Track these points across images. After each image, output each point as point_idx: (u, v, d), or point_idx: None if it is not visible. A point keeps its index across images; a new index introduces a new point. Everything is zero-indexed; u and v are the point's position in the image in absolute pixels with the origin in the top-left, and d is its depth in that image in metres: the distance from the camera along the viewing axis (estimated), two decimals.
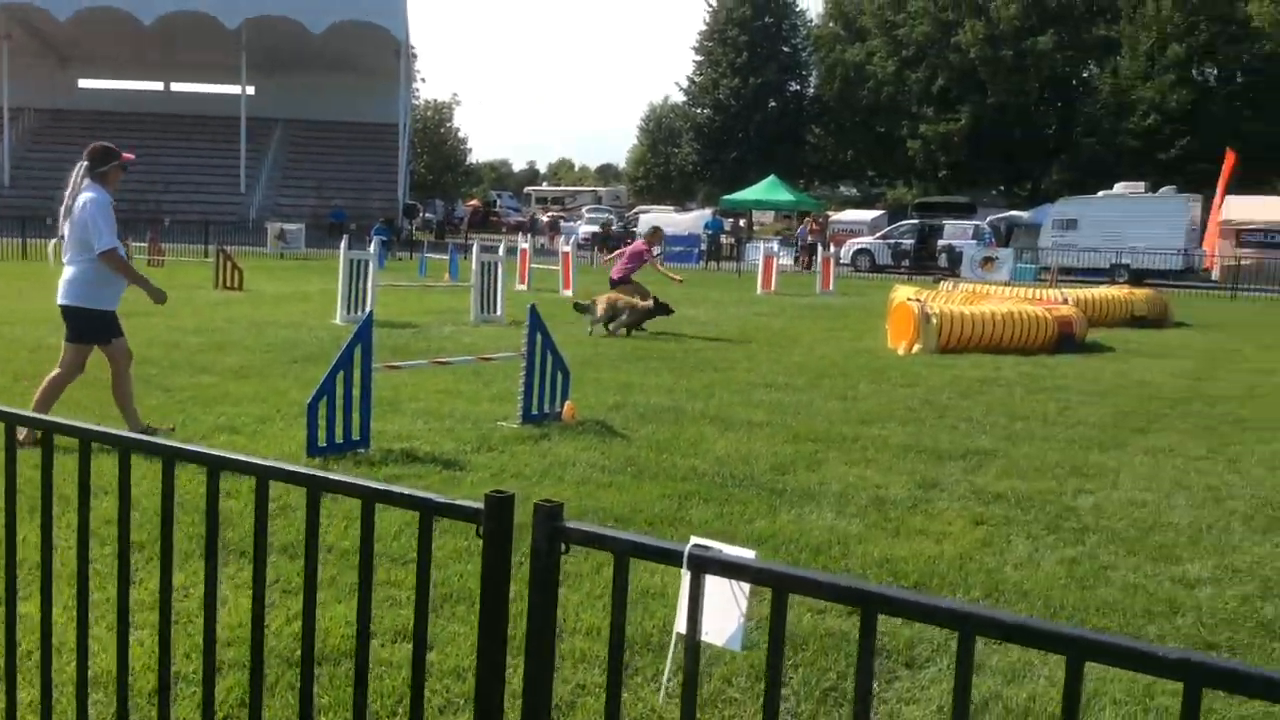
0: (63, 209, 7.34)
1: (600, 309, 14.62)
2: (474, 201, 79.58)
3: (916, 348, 13.50)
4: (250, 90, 52.64)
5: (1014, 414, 9.55)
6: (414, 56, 57.89)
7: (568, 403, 8.60)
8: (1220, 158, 39.86)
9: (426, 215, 58.39)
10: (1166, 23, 48.86)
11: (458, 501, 1.98)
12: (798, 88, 63.23)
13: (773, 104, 60.83)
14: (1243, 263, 33.64)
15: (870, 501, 6.45)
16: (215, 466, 2.24)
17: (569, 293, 21.69)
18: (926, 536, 5.80)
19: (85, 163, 7.34)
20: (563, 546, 1.87)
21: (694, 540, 1.80)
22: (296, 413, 8.05)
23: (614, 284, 16.13)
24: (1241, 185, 39.86)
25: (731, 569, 1.79)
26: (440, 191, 75.66)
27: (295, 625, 4.20)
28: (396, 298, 19.01)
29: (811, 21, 63.31)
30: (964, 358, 13.13)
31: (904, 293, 15.64)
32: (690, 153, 64.05)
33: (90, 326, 7.29)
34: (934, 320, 13.46)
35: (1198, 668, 1.44)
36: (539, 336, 8.44)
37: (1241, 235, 36.01)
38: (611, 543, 1.85)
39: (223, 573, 4.83)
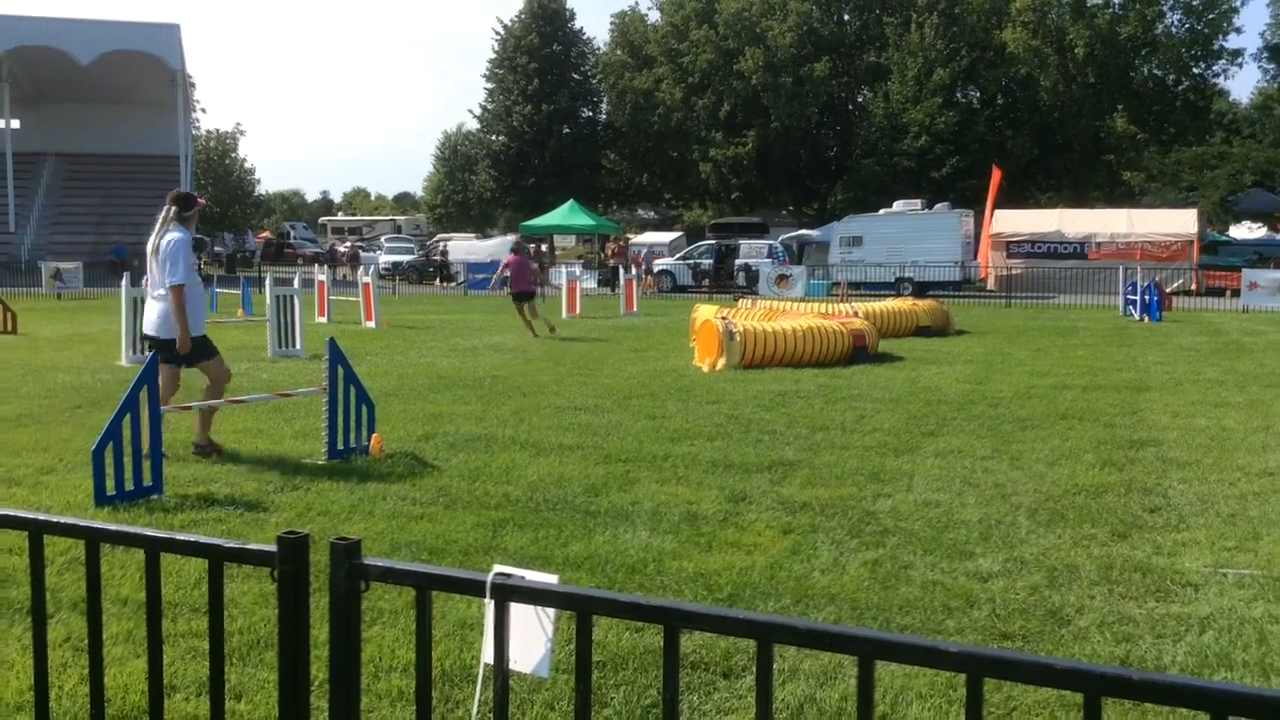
0: (149, 248, 8.09)
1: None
2: (265, 233, 76.99)
3: (721, 364, 13.80)
4: (16, 124, 49.33)
5: (815, 425, 9.88)
6: (192, 86, 55.48)
7: (374, 435, 8.38)
8: (988, 174, 42.65)
9: (216, 249, 56.01)
10: (931, 49, 51.95)
11: (249, 545, 1.88)
12: (590, 114, 63.93)
13: (567, 130, 61.29)
14: (1013, 272, 36.05)
15: (682, 518, 6.53)
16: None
17: (371, 324, 21.21)
18: (738, 549, 5.91)
19: (172, 206, 8.16)
20: (362, 584, 1.80)
21: (496, 569, 1.76)
22: (83, 461, 7.53)
23: (520, 298, 19.21)
24: (1008, 199, 42.73)
25: (535, 595, 1.76)
26: (229, 224, 72.72)
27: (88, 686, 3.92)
28: None
29: (599, 49, 64.21)
30: (766, 373, 13.51)
31: (707, 311, 15.99)
32: (488, 179, 63.80)
33: (180, 354, 8.16)
34: (737, 337, 13.81)
35: (977, 659, 1.50)
36: (340, 369, 8.20)
37: (1011, 246, 38.60)
38: (411, 577, 1.80)
39: (10, 634, 4.46)
